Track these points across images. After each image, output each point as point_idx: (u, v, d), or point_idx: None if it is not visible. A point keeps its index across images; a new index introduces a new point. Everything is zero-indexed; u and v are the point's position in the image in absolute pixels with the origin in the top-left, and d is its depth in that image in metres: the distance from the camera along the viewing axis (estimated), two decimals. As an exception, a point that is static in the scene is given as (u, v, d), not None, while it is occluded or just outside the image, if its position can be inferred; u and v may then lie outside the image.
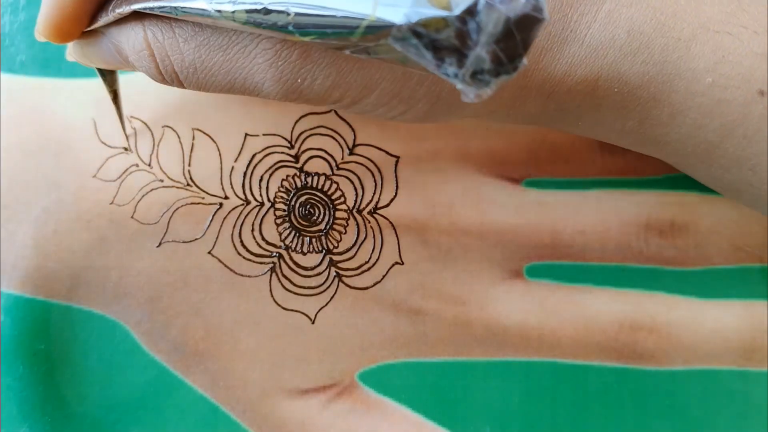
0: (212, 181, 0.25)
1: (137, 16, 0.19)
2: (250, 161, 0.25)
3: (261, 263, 0.25)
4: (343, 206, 0.25)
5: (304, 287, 0.25)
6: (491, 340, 0.25)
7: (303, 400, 0.25)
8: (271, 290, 0.25)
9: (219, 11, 0.16)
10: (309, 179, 0.25)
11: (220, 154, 0.25)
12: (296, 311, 0.25)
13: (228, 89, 0.19)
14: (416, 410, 0.25)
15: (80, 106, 0.25)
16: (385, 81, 0.18)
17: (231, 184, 0.25)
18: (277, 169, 0.25)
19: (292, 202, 0.25)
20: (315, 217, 0.25)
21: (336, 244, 0.25)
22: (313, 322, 0.25)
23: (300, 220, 0.25)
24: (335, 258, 0.25)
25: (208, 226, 0.25)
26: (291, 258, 0.25)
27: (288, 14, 0.15)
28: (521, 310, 0.25)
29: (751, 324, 0.25)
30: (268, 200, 0.25)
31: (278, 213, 0.25)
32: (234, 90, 0.19)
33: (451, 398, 0.25)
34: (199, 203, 0.25)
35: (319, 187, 0.26)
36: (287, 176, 0.25)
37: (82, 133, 0.25)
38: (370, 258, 0.25)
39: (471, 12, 0.13)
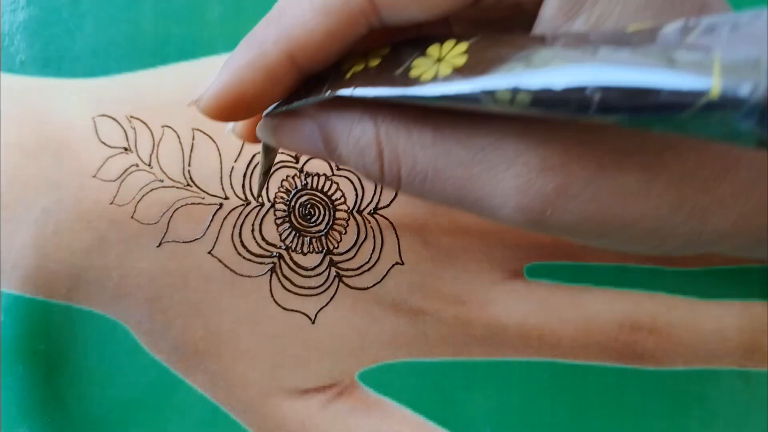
0: (212, 181, 0.25)
1: (364, 106, 0.17)
2: (250, 161, 0.25)
3: (261, 263, 0.25)
4: (343, 206, 0.25)
5: (304, 287, 0.25)
6: (491, 340, 0.25)
7: (303, 400, 0.25)
8: (271, 290, 0.25)
9: (492, 94, 0.13)
10: (309, 179, 0.25)
11: (220, 154, 0.25)
12: (296, 311, 0.25)
13: (452, 203, 0.17)
14: (416, 410, 0.25)
15: (80, 106, 0.25)
16: (647, 219, 0.16)
17: (231, 184, 0.25)
18: (277, 169, 0.25)
19: (292, 203, 0.25)
20: (315, 218, 0.25)
21: (336, 245, 0.25)
22: (313, 322, 0.25)
23: (300, 220, 0.25)
24: (335, 258, 0.25)
25: (208, 226, 0.25)
26: (291, 258, 0.25)
27: (590, 91, 0.12)
28: (521, 310, 0.25)
29: (751, 324, 0.25)
30: (268, 200, 0.25)
31: (278, 213, 0.25)
32: (458, 206, 0.17)
33: (451, 398, 0.25)
34: (199, 203, 0.25)
35: (319, 187, 0.26)
36: (287, 176, 0.25)
37: (82, 133, 0.25)
38: (370, 258, 0.25)
39: None
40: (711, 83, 0.11)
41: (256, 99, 0.17)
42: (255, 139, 0.19)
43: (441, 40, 0.16)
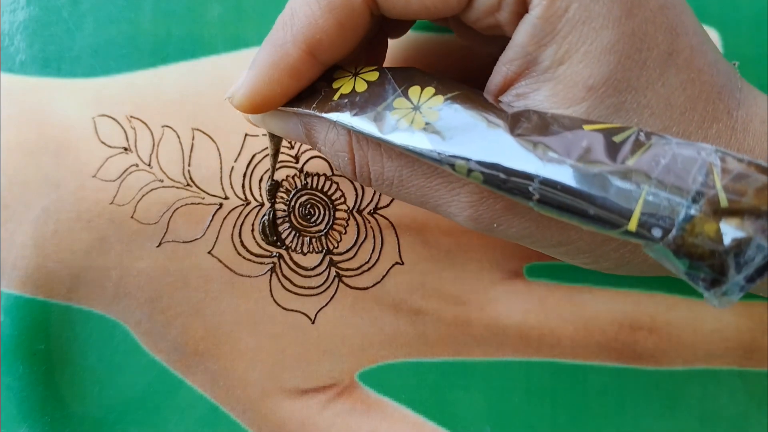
0: (212, 181, 0.25)
1: None
2: (250, 161, 0.25)
3: (261, 263, 0.25)
4: (343, 206, 0.25)
5: (304, 287, 0.25)
6: (491, 340, 0.25)
7: (303, 400, 0.25)
8: (271, 290, 0.25)
9: (452, 165, 0.16)
10: (309, 179, 0.25)
11: (220, 154, 0.25)
12: (296, 311, 0.25)
13: (416, 205, 0.20)
14: (416, 410, 0.25)
15: (80, 106, 0.25)
16: (581, 241, 0.18)
17: (231, 184, 0.25)
18: (277, 169, 0.25)
19: (292, 203, 0.25)
20: (315, 218, 0.25)
21: (336, 244, 0.25)
22: (313, 322, 0.25)
23: (300, 220, 0.25)
24: (335, 258, 0.25)
25: (208, 226, 0.25)
26: (291, 258, 0.25)
27: (533, 190, 0.15)
28: (521, 310, 0.25)
29: (751, 324, 0.25)
30: (268, 200, 0.25)
31: (278, 213, 0.25)
32: (421, 207, 0.20)
33: (451, 398, 0.25)
34: (199, 203, 0.25)
35: (319, 187, 0.26)
36: (287, 176, 0.25)
37: (82, 133, 0.25)
38: (370, 258, 0.25)
39: (740, 246, 0.13)
40: (631, 216, 0.14)
41: (283, 95, 0.19)
42: (251, 110, 0.20)
43: (422, 84, 0.18)
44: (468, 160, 0.16)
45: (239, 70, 0.26)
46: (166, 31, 0.26)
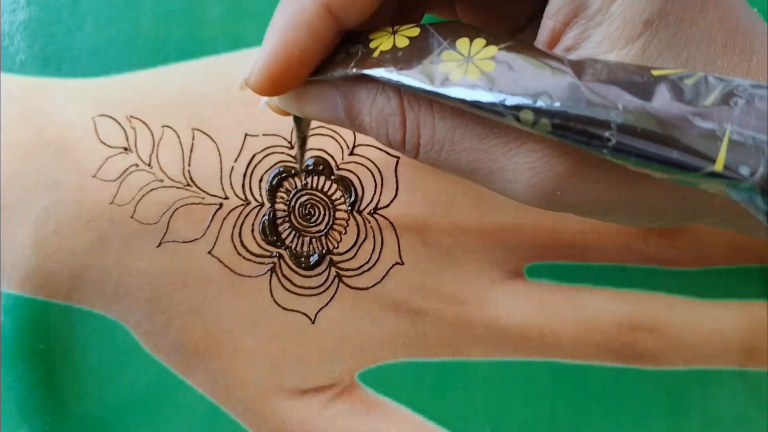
0: (212, 181, 0.25)
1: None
2: (250, 161, 0.25)
3: (261, 263, 0.25)
4: (343, 206, 0.25)
5: (304, 287, 0.25)
6: (491, 340, 0.25)
7: (303, 400, 0.25)
8: (271, 290, 0.25)
9: (516, 114, 0.14)
10: (309, 179, 0.26)
11: (220, 154, 0.25)
12: (296, 311, 0.25)
13: (465, 174, 0.18)
14: (416, 410, 0.25)
15: (80, 106, 0.25)
16: (651, 197, 0.17)
17: (231, 184, 0.25)
18: (279, 170, 0.25)
19: (292, 203, 0.25)
20: (315, 218, 0.25)
21: (336, 245, 0.25)
22: (313, 322, 0.25)
23: (300, 220, 0.25)
24: (335, 258, 0.25)
25: (208, 226, 0.25)
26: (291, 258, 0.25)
27: (609, 135, 0.14)
28: (521, 310, 0.25)
29: (750, 324, 0.25)
30: (268, 200, 0.25)
31: (278, 213, 0.25)
32: (471, 177, 0.18)
33: (451, 398, 0.25)
34: (199, 203, 0.25)
35: (319, 187, 0.26)
36: (283, 168, 0.25)
37: (82, 133, 0.25)
38: (370, 258, 0.25)
39: None
40: (717, 157, 0.13)
41: (301, 61, 0.17)
42: (271, 86, 0.18)
43: (471, 35, 0.16)
44: (534, 106, 0.14)
45: (239, 70, 0.26)
46: (166, 31, 0.26)
